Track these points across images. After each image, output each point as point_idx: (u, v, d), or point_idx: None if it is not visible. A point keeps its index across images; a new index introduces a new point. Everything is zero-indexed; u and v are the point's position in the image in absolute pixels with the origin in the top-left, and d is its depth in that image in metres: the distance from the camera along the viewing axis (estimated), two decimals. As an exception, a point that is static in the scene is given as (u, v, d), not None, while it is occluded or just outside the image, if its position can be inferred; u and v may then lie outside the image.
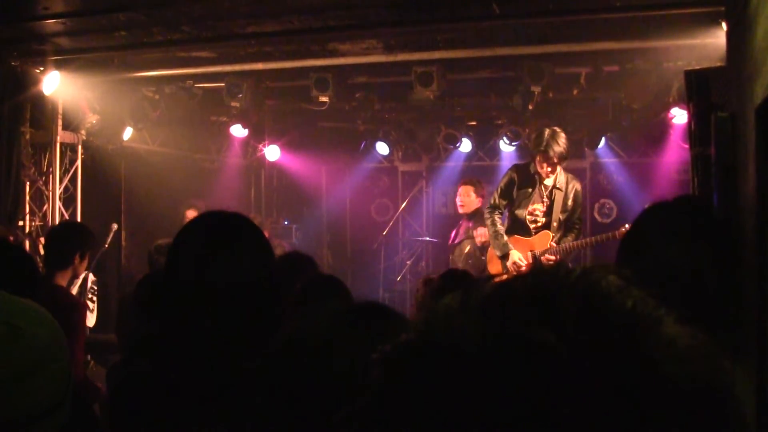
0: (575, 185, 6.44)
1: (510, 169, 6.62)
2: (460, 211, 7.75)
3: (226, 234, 1.92)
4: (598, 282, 0.57)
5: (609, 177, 10.44)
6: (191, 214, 7.72)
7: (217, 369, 1.75)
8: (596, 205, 10.49)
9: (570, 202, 6.39)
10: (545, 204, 6.39)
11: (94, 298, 6.05)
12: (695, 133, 2.90)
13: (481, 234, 7.25)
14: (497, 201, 6.51)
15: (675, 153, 8.86)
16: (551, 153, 6.13)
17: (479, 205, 7.58)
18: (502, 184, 6.54)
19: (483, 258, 7.20)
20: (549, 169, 6.24)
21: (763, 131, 1.60)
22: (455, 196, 8.10)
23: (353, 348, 0.97)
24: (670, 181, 9.08)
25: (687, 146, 4.82)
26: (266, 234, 6.98)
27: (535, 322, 0.54)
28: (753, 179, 1.64)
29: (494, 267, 6.63)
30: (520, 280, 0.59)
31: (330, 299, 2.61)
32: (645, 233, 1.74)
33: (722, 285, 1.65)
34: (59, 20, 5.74)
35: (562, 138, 6.18)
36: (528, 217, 6.42)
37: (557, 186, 6.35)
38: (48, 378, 1.38)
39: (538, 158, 6.25)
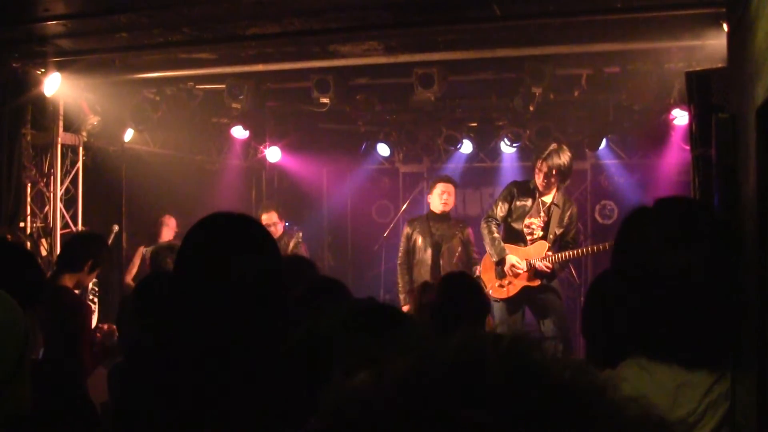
0: (572, 207, 6.70)
1: (510, 184, 6.81)
2: (442, 209, 7.29)
3: (236, 235, 1.92)
4: (530, 352, 0.54)
5: (610, 178, 10.44)
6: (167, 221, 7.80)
7: (221, 369, 1.75)
8: (597, 207, 10.48)
9: (566, 219, 6.51)
10: (543, 219, 6.55)
11: (95, 300, 6.06)
12: (696, 134, 2.90)
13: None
14: (494, 212, 6.66)
15: (676, 154, 8.85)
16: (550, 163, 6.26)
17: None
18: (501, 197, 6.71)
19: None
20: (544, 181, 6.34)
21: (763, 132, 1.60)
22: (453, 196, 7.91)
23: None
24: (671, 182, 9.07)
25: (688, 147, 4.82)
26: (282, 225, 6.90)
27: (460, 396, 0.50)
28: (754, 180, 1.64)
29: (488, 275, 6.64)
30: (440, 350, 0.55)
31: (332, 301, 2.61)
32: (636, 237, 1.74)
33: (719, 285, 1.65)
34: (60, 22, 5.75)
35: (565, 155, 6.37)
36: (525, 229, 6.57)
37: (555, 203, 6.51)
38: None
39: (537, 165, 6.43)
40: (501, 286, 6.56)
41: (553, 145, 6.47)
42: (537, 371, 0.53)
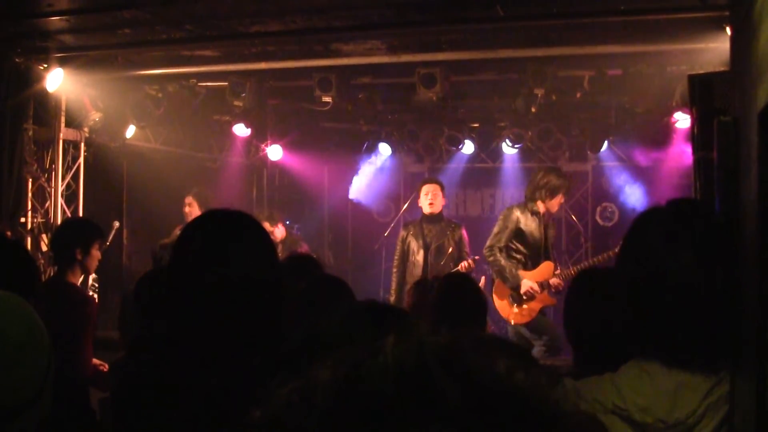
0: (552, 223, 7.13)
1: (510, 210, 6.86)
2: (429, 210, 7.31)
3: (230, 231, 1.93)
4: (473, 358, 0.54)
5: (611, 180, 10.44)
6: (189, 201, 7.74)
7: (220, 365, 1.76)
8: (598, 209, 10.49)
9: (551, 235, 6.94)
10: (542, 239, 6.78)
11: (95, 296, 6.06)
12: (698, 137, 2.90)
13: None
14: (498, 240, 6.74)
15: (677, 157, 8.86)
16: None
17: (441, 208, 7.45)
18: (502, 225, 6.78)
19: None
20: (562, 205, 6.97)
21: (765, 135, 1.60)
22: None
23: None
24: (672, 184, 9.08)
25: (689, 150, 4.81)
26: (281, 225, 6.90)
27: (414, 417, 0.50)
28: (755, 183, 1.64)
29: (502, 303, 6.77)
30: (370, 362, 0.54)
31: (334, 299, 2.61)
32: (641, 238, 1.74)
33: (720, 288, 1.65)
34: (63, 17, 5.75)
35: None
36: (530, 252, 6.76)
37: (547, 222, 6.86)
38: (21, 374, 1.38)
39: (564, 193, 6.83)
40: (521, 314, 6.66)
41: (556, 173, 6.87)
42: (485, 377, 0.53)
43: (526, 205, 6.78)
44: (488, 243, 6.77)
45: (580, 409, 0.56)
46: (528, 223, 6.70)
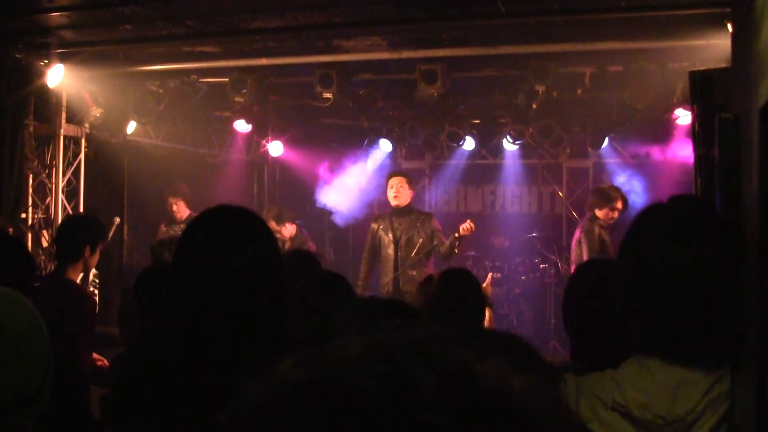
0: None
1: (590, 226, 7.32)
2: (395, 203, 7.19)
3: (232, 229, 1.93)
4: (439, 348, 0.55)
5: (612, 177, 10.44)
6: (175, 201, 7.82)
7: (221, 362, 1.76)
8: (599, 205, 10.47)
9: None
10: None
11: (96, 292, 6.06)
12: (699, 133, 2.89)
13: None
14: (594, 252, 7.11)
15: (678, 153, 8.85)
16: None
17: (410, 200, 7.32)
18: (594, 239, 7.19)
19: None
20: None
21: (767, 132, 1.60)
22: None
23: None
24: (673, 181, 9.07)
25: (690, 147, 4.81)
26: (290, 225, 6.94)
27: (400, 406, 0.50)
28: (756, 180, 1.64)
29: None
30: (338, 356, 0.55)
31: (333, 296, 2.62)
32: (642, 235, 1.74)
33: (720, 285, 1.65)
34: (64, 13, 5.75)
35: None
36: None
37: None
38: (22, 369, 1.38)
39: (619, 203, 7.34)
40: None
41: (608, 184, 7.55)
42: (440, 363, 0.54)
43: (595, 220, 7.24)
44: (586, 259, 7.10)
45: (541, 395, 0.56)
46: (606, 236, 7.14)
